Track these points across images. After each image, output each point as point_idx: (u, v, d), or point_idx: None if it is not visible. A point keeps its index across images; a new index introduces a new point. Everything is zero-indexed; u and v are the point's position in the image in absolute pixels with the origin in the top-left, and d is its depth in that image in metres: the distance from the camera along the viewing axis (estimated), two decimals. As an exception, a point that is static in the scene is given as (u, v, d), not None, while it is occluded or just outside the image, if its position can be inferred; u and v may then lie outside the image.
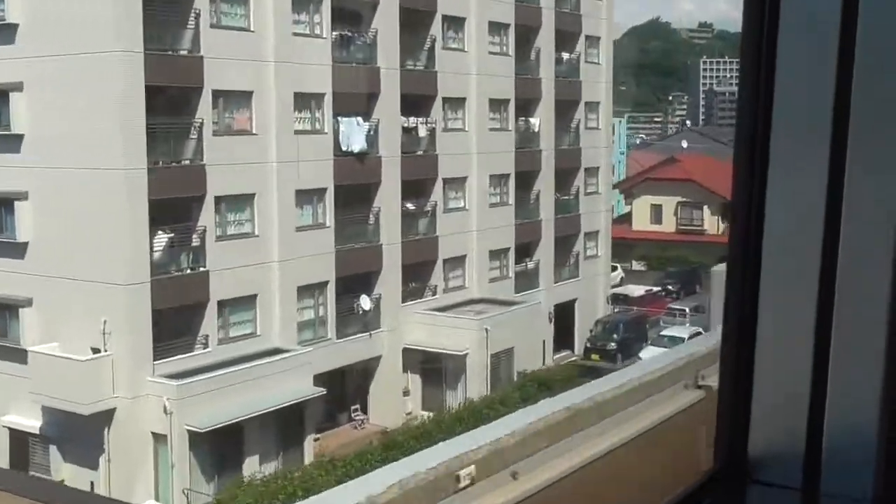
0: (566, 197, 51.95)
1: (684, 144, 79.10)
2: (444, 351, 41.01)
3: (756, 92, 1.80)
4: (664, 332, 50.85)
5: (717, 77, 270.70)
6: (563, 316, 52.27)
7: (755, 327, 1.83)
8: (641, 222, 72.92)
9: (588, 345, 51.45)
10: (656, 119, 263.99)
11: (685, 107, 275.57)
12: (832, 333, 1.76)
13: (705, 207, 71.00)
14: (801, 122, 1.78)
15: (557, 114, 50.95)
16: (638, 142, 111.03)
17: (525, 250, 49.54)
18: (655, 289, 59.90)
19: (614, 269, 69.62)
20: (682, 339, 49.67)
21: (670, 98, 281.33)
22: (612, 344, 50.62)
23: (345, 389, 40.63)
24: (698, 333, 50.45)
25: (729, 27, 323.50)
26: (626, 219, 74.72)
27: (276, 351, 35.35)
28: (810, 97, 1.77)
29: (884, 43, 1.68)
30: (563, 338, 52.16)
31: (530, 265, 49.52)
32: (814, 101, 1.76)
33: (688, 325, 54.52)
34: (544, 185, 49.50)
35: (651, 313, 55.87)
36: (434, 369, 42.01)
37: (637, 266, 72.53)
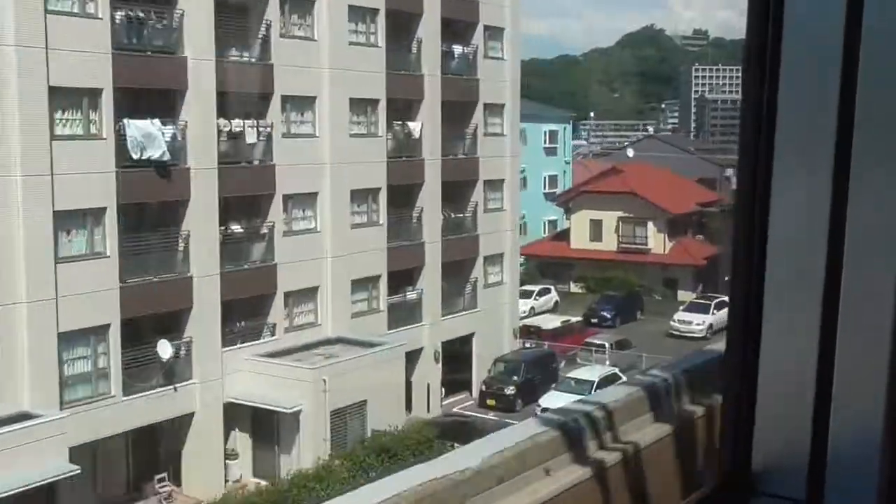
0: (460, 215, 43.66)
1: (630, 154, 70.68)
2: (272, 407, 32.77)
3: (760, 98, 1.76)
4: (572, 374, 42.50)
5: (709, 85, 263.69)
6: (460, 354, 44.03)
7: (759, 340, 1.80)
8: (580, 239, 64.56)
9: (483, 388, 43.17)
10: (648, 127, 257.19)
11: (677, 114, 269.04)
12: (836, 346, 1.72)
13: (650, 223, 62.65)
14: (804, 129, 1.72)
15: (448, 117, 42.71)
16: (588, 151, 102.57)
17: (407, 278, 41.30)
18: (574, 319, 51.42)
19: (547, 291, 61.42)
20: (591, 384, 41.51)
21: (663, 106, 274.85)
22: (511, 387, 42.33)
23: (155, 454, 32.47)
24: (613, 376, 42.23)
25: (724, 34, 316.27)
26: (565, 236, 66.38)
27: (23, 417, 27.21)
28: (814, 104, 1.72)
29: (887, 50, 1.65)
30: (459, 379, 43.91)
31: (411, 295, 41.25)
32: (817, 108, 1.71)
33: (607, 363, 46.14)
34: (429, 200, 41.19)
35: (565, 349, 47.52)
36: (267, 428, 33.77)
37: (575, 288, 64.19)
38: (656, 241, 62.44)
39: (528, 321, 49.46)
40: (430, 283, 41.40)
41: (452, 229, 43.13)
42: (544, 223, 70.05)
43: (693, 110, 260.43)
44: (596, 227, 63.92)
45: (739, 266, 1.86)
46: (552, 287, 62.30)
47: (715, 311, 55.62)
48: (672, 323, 55.43)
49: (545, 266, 65.26)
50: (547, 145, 70.92)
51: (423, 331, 41.29)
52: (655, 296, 61.38)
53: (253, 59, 34.26)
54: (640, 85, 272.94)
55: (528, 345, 47.80)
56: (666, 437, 3.01)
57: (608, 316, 57.28)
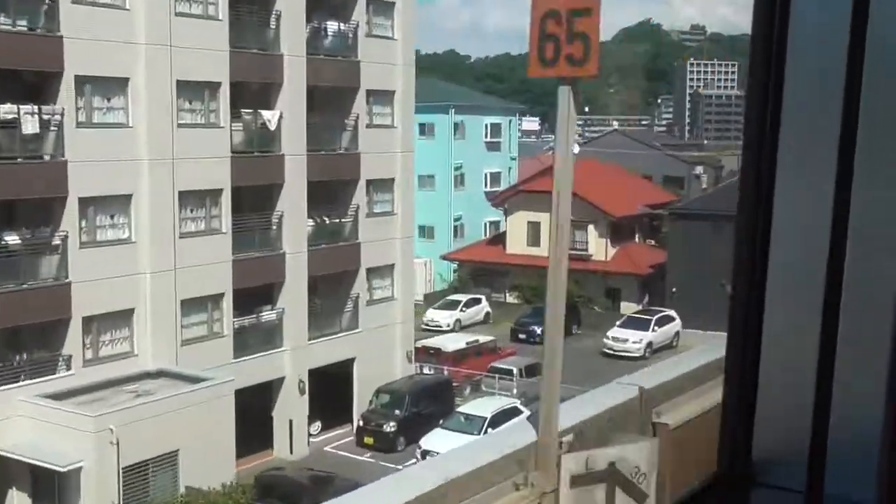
0: (337, 220, 36.67)
1: (575, 150, 63.45)
2: (45, 463, 25.90)
3: (765, 97, 1.75)
4: (463, 408, 35.50)
5: (704, 80, 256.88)
6: (338, 383, 37.11)
7: (760, 331, 1.80)
8: (517, 244, 57.48)
9: (361, 423, 36.25)
10: (643, 122, 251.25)
11: (671, 110, 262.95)
12: (837, 337, 1.73)
13: (590, 227, 55.54)
14: (809, 125, 1.73)
15: (322, 106, 35.77)
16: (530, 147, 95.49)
17: (265, 296, 34.38)
18: (486, 339, 44.31)
19: (477, 302, 54.42)
20: (482, 421, 34.55)
21: (659, 101, 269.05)
22: (392, 423, 35.38)
23: None
24: (513, 410, 35.27)
25: (723, 30, 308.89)
26: (502, 239, 59.32)
27: None
28: (819, 103, 1.73)
29: (893, 44, 1.65)
30: (337, 412, 36.99)
31: (269, 316, 34.31)
32: (822, 108, 1.72)
33: (514, 391, 39.17)
34: (292, 203, 34.19)
35: (467, 375, 40.56)
36: (47, 487, 26.92)
37: (512, 298, 57.11)
38: (597, 247, 55.34)
39: (428, 342, 42.42)
40: (293, 300, 34.43)
41: (327, 237, 36.17)
42: (485, 225, 63.03)
43: (688, 106, 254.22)
44: (534, 230, 56.81)
45: (742, 259, 1.83)
46: (483, 297, 55.31)
47: (656, 328, 48.58)
48: (605, 340, 48.40)
49: (480, 273, 58.25)
50: (489, 140, 63.85)
51: (285, 357, 34.36)
52: (595, 308, 54.31)
53: (36, 29, 27.30)
54: (635, 80, 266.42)
55: (427, 370, 40.82)
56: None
57: (537, 331, 50.18)
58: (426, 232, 62.28)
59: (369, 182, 37.49)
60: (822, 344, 1.77)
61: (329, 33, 35.70)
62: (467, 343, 41.89)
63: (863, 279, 1.73)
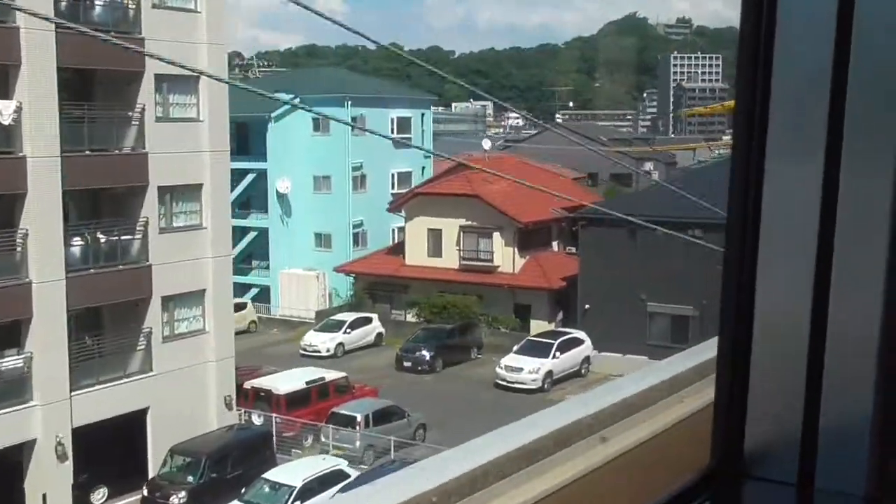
0: (116, 237, 28.76)
1: (486, 145, 55.24)
2: None
3: (753, 94, 1.75)
4: (271, 474, 27.58)
5: (688, 73, 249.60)
6: (134, 438, 29.29)
7: (751, 324, 1.79)
8: (417, 254, 49.45)
9: (147, 492, 28.41)
10: (628, 116, 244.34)
11: (655, 103, 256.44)
12: (827, 329, 1.73)
13: (496, 235, 47.53)
14: (797, 120, 1.74)
15: (92, 94, 27.92)
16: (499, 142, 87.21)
17: (8, 337, 26.53)
18: (335, 375, 36.16)
19: (366, 322, 46.51)
20: (290, 491, 26.69)
21: (644, 95, 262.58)
22: (182, 493, 27.57)
23: None
24: (335, 475, 27.42)
25: (709, 23, 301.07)
26: (402, 249, 51.27)
27: None
28: (807, 97, 1.73)
29: (880, 40, 1.66)
30: (130, 474, 29.12)
31: (9, 364, 26.45)
32: (810, 105, 1.73)
33: (357, 444, 31.29)
34: (39, 219, 26.32)
35: (310, 422, 32.61)
36: None
37: (412, 317, 49.13)
38: (504, 257, 47.34)
39: (258, 382, 34.38)
40: (46, 341, 26.51)
41: (104, 259, 28.29)
42: (393, 231, 55.01)
43: (671, 99, 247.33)
44: (435, 238, 48.86)
45: (732, 248, 1.81)
46: (374, 316, 47.35)
47: (558, 354, 40.60)
48: (498, 370, 40.46)
49: (378, 287, 50.29)
50: (396, 136, 55.76)
51: (36, 414, 26.51)
52: (501, 327, 46.36)
53: None
54: (620, 74, 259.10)
55: (256, 417, 32.87)
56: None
57: (426, 357, 42.32)
58: (322, 240, 54.40)
59: (163, 189, 29.55)
60: (812, 336, 1.74)
61: (96, 2, 27.78)
62: (308, 382, 33.85)
63: (852, 274, 1.71)
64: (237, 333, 49.57)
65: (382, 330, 47.01)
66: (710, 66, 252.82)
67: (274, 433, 31.45)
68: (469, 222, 47.71)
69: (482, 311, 46.35)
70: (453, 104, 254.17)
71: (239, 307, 50.83)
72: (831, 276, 1.72)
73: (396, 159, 55.74)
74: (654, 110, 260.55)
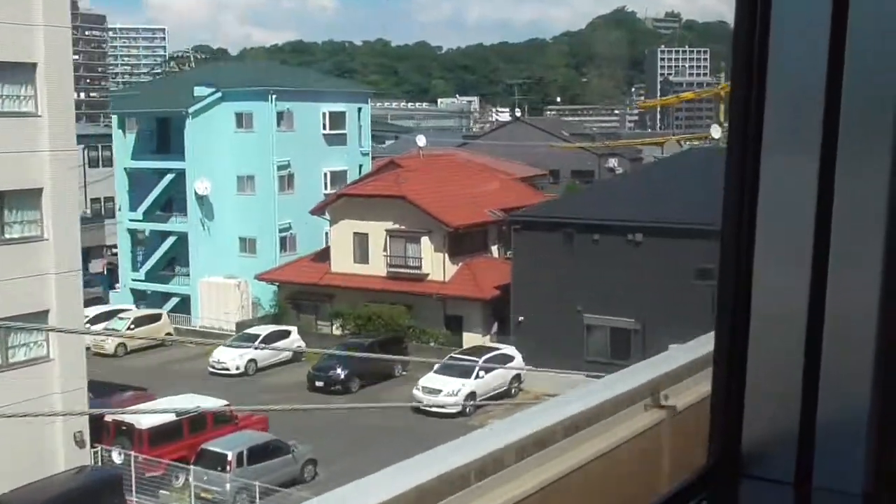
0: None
1: (420, 142, 50.73)
2: None
3: (748, 92, 1.74)
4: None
5: (675, 67, 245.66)
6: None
7: (748, 323, 1.78)
8: (343, 260, 45.04)
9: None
10: (616, 111, 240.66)
11: (643, 98, 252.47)
12: (824, 328, 1.72)
13: (425, 239, 43.14)
14: (792, 114, 1.73)
15: None
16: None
17: None
18: (218, 403, 31.62)
19: (283, 336, 42.18)
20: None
21: (633, 89, 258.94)
22: (2, 555, 23.24)
23: None
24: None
25: (699, 17, 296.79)
26: (328, 254, 46.85)
27: None
28: (802, 96, 1.72)
29: (874, 41, 1.66)
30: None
31: None
32: (805, 102, 1.72)
33: (228, 485, 26.94)
34: None
35: (181, 459, 28.23)
36: None
37: (337, 329, 44.72)
38: (434, 264, 42.96)
39: (120, 414, 29.90)
40: None
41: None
42: (326, 235, 50.56)
43: (658, 93, 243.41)
44: (361, 243, 44.48)
45: (727, 251, 1.79)
46: (293, 329, 43.00)
47: (482, 373, 36.23)
48: (416, 392, 36.10)
49: (304, 296, 45.91)
50: (328, 132, 51.43)
51: None
52: (432, 342, 42.01)
53: None
54: (609, 68, 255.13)
55: (116, 455, 28.49)
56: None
57: (340, 376, 37.96)
58: (247, 245, 50.02)
59: (-6, 195, 25.19)
60: (809, 336, 1.73)
61: None
62: (179, 413, 29.48)
63: (848, 271, 1.70)
64: (151, 347, 45.63)
65: (303, 344, 42.59)
66: (698, 60, 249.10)
67: (133, 474, 27.12)
68: (396, 226, 43.35)
69: (410, 322, 41.99)
70: (439, 100, 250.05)
71: (153, 318, 46.56)
72: (828, 273, 1.70)
73: (330, 157, 51.39)
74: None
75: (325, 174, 51.31)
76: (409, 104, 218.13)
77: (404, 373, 39.71)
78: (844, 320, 1.69)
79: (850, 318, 1.69)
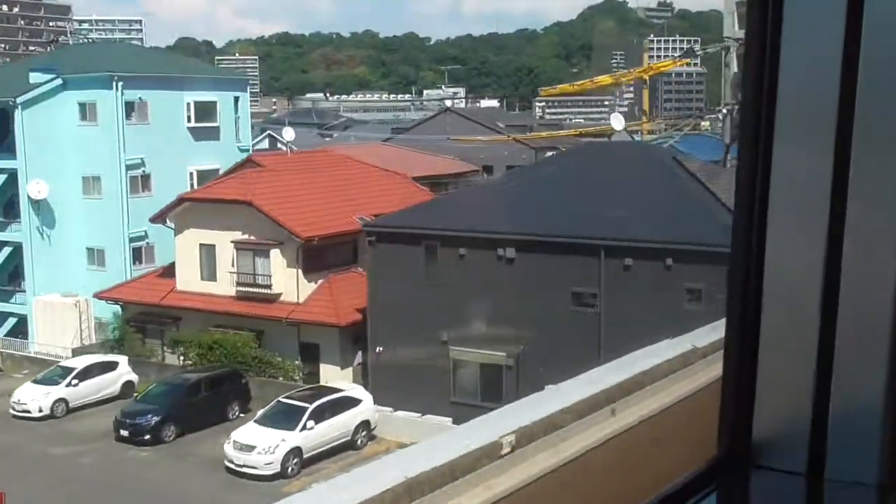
0: None
1: (288, 135, 42.89)
2: None
3: (760, 92, 1.73)
4: None
5: (665, 57, 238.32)
6: None
7: (759, 312, 1.76)
8: (189, 276, 37.68)
9: None
10: (605, 102, 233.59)
11: (632, 88, 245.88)
12: (837, 317, 1.70)
13: (275, 252, 35.76)
14: (804, 121, 1.72)
15: None
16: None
17: None
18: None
19: (112, 366, 35.11)
20: None
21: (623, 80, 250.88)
22: None
23: None
24: None
25: (690, 6, 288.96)
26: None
27: None
28: (814, 96, 1.70)
29: (889, 41, 1.64)
30: None
31: None
32: (818, 101, 1.69)
33: None
34: None
35: None
36: None
37: (178, 359, 37.38)
38: (287, 281, 35.62)
39: None
40: None
41: None
42: (190, 244, 43.20)
43: (647, 84, 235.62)
44: (209, 256, 37.17)
45: (739, 239, 1.77)
46: (121, 360, 35.75)
47: (311, 423, 28.82)
48: (227, 447, 28.78)
49: (149, 318, 38.63)
50: (195, 125, 44.10)
51: None
52: (280, 376, 34.72)
53: None
54: (599, 58, 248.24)
55: None
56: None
57: (151, 422, 30.67)
58: (95, 256, 42.75)
59: None
60: (822, 325, 1.71)
61: None
62: None
63: (862, 261, 1.68)
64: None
65: (134, 377, 35.46)
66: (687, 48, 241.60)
67: None
68: (245, 236, 36.02)
69: (256, 353, 34.71)
70: (425, 91, 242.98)
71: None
72: (842, 262, 1.68)
73: (198, 154, 44.06)
74: (631, 96, 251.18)
75: (192, 173, 43.97)
76: (360, 96, 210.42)
77: (242, 415, 32.45)
78: (858, 308, 1.65)
79: (864, 306, 1.65)
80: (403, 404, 31.87)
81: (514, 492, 1.86)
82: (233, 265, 36.15)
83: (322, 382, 34.20)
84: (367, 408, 30.55)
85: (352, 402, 30.29)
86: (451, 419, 31.05)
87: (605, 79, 78.82)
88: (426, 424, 30.98)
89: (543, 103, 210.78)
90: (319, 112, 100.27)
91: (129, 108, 41.49)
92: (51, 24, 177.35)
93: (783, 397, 1.75)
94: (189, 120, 43.63)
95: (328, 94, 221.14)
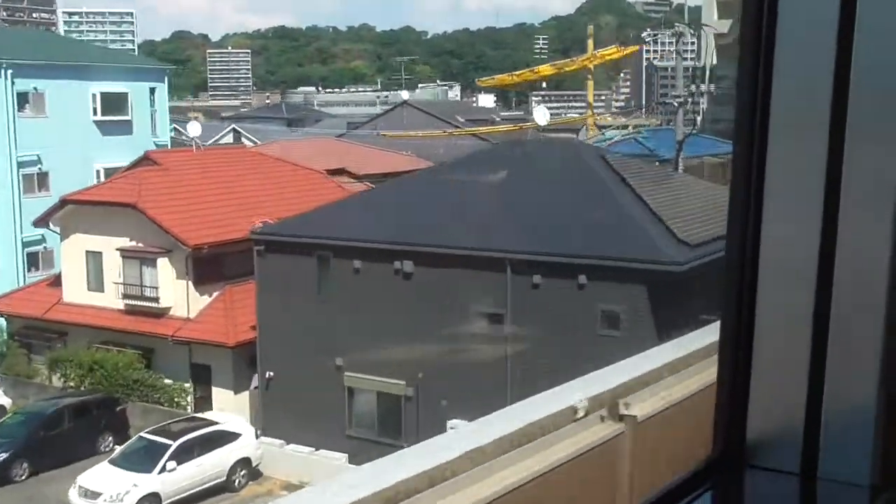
0: None
1: (193, 130, 38.46)
2: None
3: (754, 91, 1.73)
4: None
5: (662, 51, 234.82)
6: None
7: (754, 312, 1.77)
8: (75, 287, 33.53)
9: None
10: (602, 97, 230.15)
11: (629, 83, 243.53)
12: (830, 318, 1.71)
13: (162, 261, 31.61)
14: (798, 120, 1.71)
15: None
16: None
17: None
18: None
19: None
20: None
21: (620, 74, 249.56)
22: None
23: None
24: None
25: (690, 0, 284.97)
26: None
27: None
28: (808, 95, 1.70)
29: (882, 40, 1.64)
30: None
31: None
32: (811, 100, 1.69)
33: None
34: None
35: None
36: None
37: (59, 380, 33.21)
38: (177, 294, 31.49)
39: None
40: None
41: None
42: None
43: (643, 78, 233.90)
44: (96, 264, 33.05)
45: (734, 239, 1.76)
46: (-5, 382, 31.69)
47: (174, 464, 24.71)
48: (72, 494, 24.67)
49: (36, 334, 34.53)
50: (102, 118, 39.96)
51: None
52: (164, 402, 30.63)
53: None
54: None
55: None
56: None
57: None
58: (-15, 262, 38.70)
59: None
60: (815, 326, 1.71)
61: None
62: None
63: (855, 262, 1.68)
64: None
65: (7, 402, 31.39)
66: (686, 43, 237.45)
67: None
68: (132, 243, 31.91)
69: (139, 375, 30.61)
70: (419, 86, 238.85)
71: None
72: (835, 265, 1.68)
73: (106, 150, 39.90)
74: (628, 90, 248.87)
75: (99, 171, 39.81)
76: (343, 90, 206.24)
77: (117, 447, 28.35)
78: (851, 310, 1.66)
79: (857, 308, 1.65)
80: (296, 437, 27.82)
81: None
82: (120, 275, 32.02)
83: (215, 408, 30.19)
84: (246, 443, 26.47)
85: (228, 437, 26.19)
86: (346, 456, 27.03)
87: (546, 69, 74.75)
88: (319, 462, 26.94)
89: (541, 98, 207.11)
90: (291, 107, 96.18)
91: (22, 99, 37.37)
92: (34, 14, 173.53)
93: (777, 398, 1.73)
94: (95, 112, 39.48)
95: (319, 88, 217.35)
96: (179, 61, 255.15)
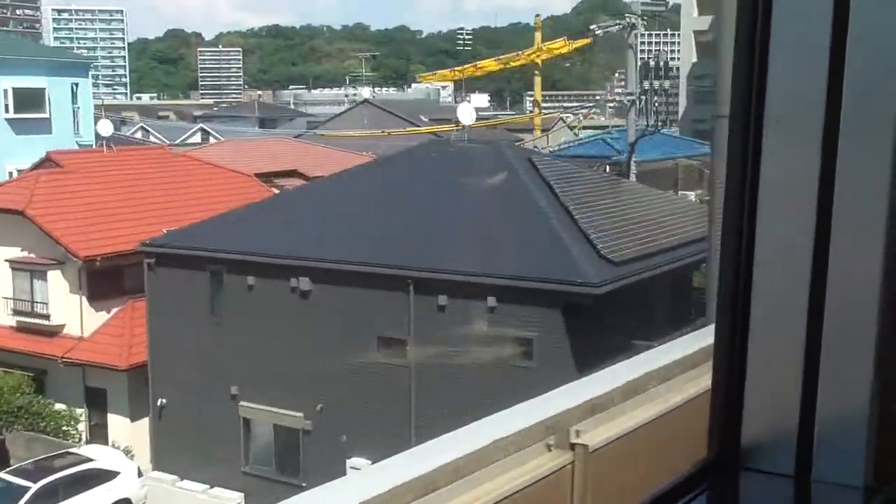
0: None
1: (104, 130, 34.94)
2: None
3: (749, 91, 1.72)
4: None
5: (657, 51, 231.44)
6: None
7: (748, 316, 1.76)
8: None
9: None
10: (597, 97, 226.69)
11: (623, 82, 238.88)
12: (824, 321, 1.71)
13: (54, 274, 28.51)
14: (792, 120, 1.70)
15: None
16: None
17: None
18: None
19: None
20: None
21: (616, 74, 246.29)
22: None
23: None
24: None
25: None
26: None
27: None
28: (802, 94, 1.69)
29: (875, 39, 1.64)
30: None
31: None
32: (805, 100, 1.68)
33: None
34: None
35: None
36: None
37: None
38: (70, 310, 28.40)
39: None
40: None
41: None
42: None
43: (637, 77, 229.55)
44: (-11, 277, 29.93)
45: (729, 241, 1.77)
46: None
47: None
48: (-88, 544, 21.60)
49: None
50: (15, 115, 36.86)
51: None
52: (50, 431, 27.52)
53: None
54: (592, 53, 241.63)
55: None
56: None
57: None
58: None
59: None
60: (809, 328, 1.71)
61: None
62: None
63: (849, 265, 1.68)
64: None
65: None
66: (678, 43, 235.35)
67: None
68: (23, 253, 28.83)
69: (24, 399, 27.51)
70: (412, 84, 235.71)
71: None
72: (828, 267, 1.68)
73: (20, 149, 36.75)
74: (621, 90, 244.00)
75: (11, 173, 36.71)
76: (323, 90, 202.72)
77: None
78: (845, 313, 1.66)
79: (850, 311, 1.67)
80: (190, 472, 24.75)
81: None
82: (10, 289, 28.93)
83: (110, 436, 27.17)
84: (126, 481, 23.36)
85: (103, 476, 23.08)
86: (241, 496, 23.95)
87: (489, 63, 71.68)
88: (213, 501, 23.89)
89: (532, 98, 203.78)
90: (265, 106, 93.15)
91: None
92: (17, 12, 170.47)
93: (771, 401, 1.73)
94: (7, 110, 36.36)
95: (310, 87, 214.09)
96: (171, 60, 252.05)
